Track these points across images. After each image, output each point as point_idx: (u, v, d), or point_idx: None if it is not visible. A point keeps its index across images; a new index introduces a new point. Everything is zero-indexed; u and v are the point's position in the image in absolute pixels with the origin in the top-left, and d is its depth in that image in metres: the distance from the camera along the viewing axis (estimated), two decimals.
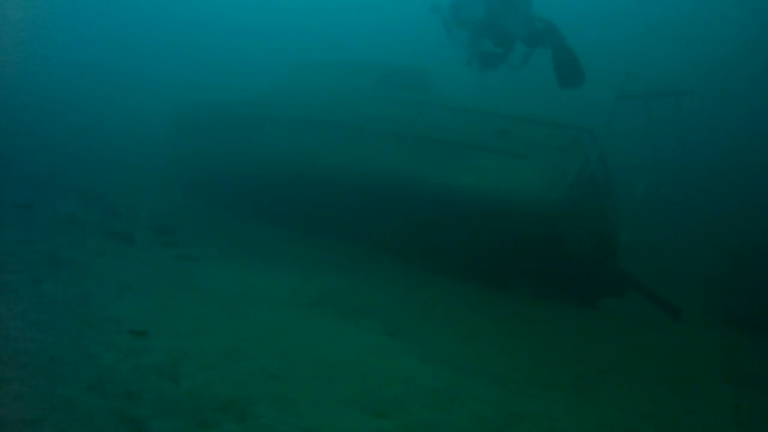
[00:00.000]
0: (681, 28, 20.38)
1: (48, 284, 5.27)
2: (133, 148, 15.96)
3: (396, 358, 5.16)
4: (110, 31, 23.31)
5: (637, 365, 6.39)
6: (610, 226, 9.33)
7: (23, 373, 3.43)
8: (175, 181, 13.43)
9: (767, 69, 17.25)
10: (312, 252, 9.41)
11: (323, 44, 22.18)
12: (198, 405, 3.46)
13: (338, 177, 10.03)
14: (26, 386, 3.29)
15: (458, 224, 9.09)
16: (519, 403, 4.58)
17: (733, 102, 16.70)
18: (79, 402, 3.21)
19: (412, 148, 9.57)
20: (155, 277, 6.36)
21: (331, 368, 4.57)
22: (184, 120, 13.68)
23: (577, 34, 10.13)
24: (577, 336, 7.20)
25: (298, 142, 10.66)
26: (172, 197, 12.20)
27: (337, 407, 3.84)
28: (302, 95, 11.41)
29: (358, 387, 4.26)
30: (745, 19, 18.85)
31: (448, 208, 9.09)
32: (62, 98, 17.48)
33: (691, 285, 11.33)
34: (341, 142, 10.18)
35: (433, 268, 9.19)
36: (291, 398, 3.81)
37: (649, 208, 10.64)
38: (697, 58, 18.53)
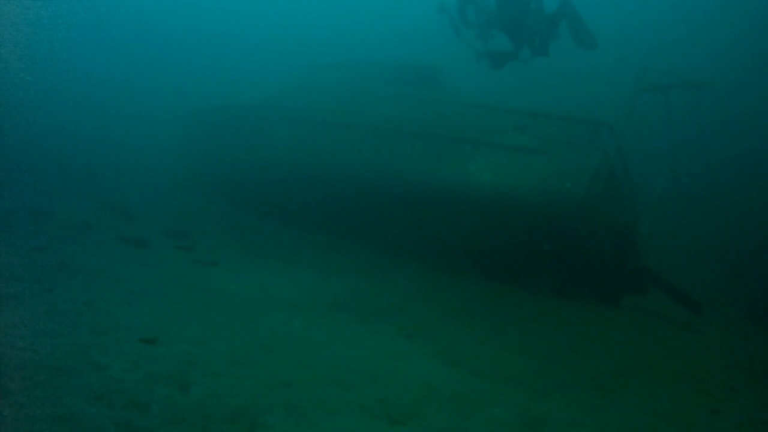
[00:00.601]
0: (695, 16, 20.16)
1: (58, 292, 5.20)
2: (146, 154, 16.01)
3: (413, 362, 5.04)
4: (118, 43, 23.57)
5: (660, 364, 6.24)
6: (630, 221, 9.16)
7: (28, 384, 3.35)
8: (189, 185, 13.41)
9: None
10: (328, 254, 9.32)
11: (333, 46, 22.17)
12: (206, 415, 3.36)
13: (353, 177, 9.94)
14: (31, 398, 3.21)
15: (476, 223, 8.97)
16: (539, 406, 4.45)
17: (752, 92, 16.45)
18: (84, 414, 3.12)
19: (428, 147, 9.46)
20: (168, 282, 6.28)
21: (346, 373, 4.45)
22: (197, 124, 13.67)
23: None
24: (597, 335, 7.06)
25: (313, 143, 10.60)
26: (187, 201, 12.16)
27: (351, 415, 3.73)
28: (317, 96, 11.34)
29: (373, 393, 4.15)
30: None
31: (465, 207, 8.98)
32: (75, 108, 17.58)
33: (713, 279, 11.17)
34: (356, 142, 10.11)
35: (450, 269, 9.07)
36: (304, 406, 3.70)
37: (670, 201, 10.48)
38: (714, 48, 18.30)
